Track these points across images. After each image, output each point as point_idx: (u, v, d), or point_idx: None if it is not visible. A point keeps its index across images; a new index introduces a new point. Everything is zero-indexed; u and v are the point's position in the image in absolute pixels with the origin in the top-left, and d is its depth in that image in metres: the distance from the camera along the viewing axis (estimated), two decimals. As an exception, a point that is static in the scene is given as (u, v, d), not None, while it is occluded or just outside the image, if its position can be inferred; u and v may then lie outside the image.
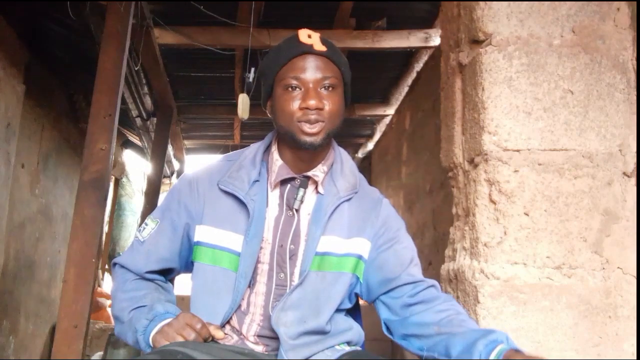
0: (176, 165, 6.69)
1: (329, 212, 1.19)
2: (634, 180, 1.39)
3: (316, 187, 1.23)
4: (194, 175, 1.26)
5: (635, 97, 1.41)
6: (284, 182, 1.22)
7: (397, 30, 3.63)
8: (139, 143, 5.69)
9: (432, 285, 1.22)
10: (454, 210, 1.57)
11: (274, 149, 1.26)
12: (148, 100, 4.50)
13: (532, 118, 1.36)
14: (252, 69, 3.60)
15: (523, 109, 1.36)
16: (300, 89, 1.16)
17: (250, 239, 1.16)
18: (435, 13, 3.53)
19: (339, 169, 1.25)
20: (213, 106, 5.21)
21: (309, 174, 1.22)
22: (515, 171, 1.34)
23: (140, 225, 1.31)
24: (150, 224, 1.25)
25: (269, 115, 1.24)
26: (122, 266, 1.26)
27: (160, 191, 4.82)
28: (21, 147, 3.49)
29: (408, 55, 4.17)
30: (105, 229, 6.35)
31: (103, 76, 2.45)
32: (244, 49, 3.64)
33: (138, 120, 4.70)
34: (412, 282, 1.21)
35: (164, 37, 3.46)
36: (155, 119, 4.70)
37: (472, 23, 1.45)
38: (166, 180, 6.80)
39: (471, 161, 1.45)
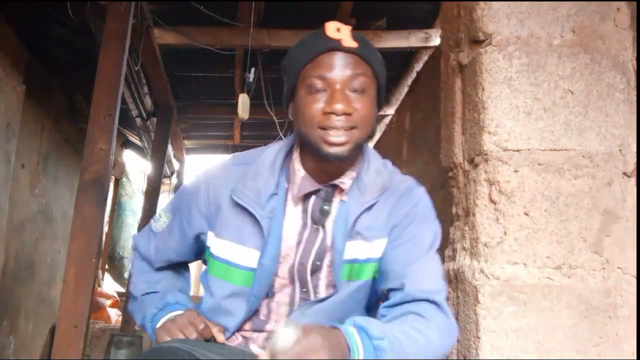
0: (176, 165, 6.68)
1: (351, 221, 1.08)
2: (634, 180, 1.39)
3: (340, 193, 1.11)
4: (207, 180, 1.16)
5: (635, 97, 1.41)
6: (307, 194, 1.11)
7: (397, 30, 3.63)
8: (139, 143, 5.69)
9: (424, 300, 1.04)
10: (454, 210, 1.57)
11: (296, 155, 1.14)
12: (148, 100, 4.49)
13: (532, 118, 1.36)
14: (252, 69, 3.60)
15: (523, 109, 1.36)
16: (326, 91, 1.02)
17: (265, 260, 1.08)
18: (435, 13, 3.53)
19: (364, 172, 1.12)
20: (213, 106, 5.20)
21: (336, 182, 1.10)
22: (515, 171, 1.34)
23: (155, 215, 1.27)
24: (163, 217, 1.22)
25: (291, 118, 1.12)
26: (137, 248, 1.26)
27: (160, 191, 4.82)
28: (21, 147, 3.49)
29: (408, 55, 4.17)
30: (105, 229, 6.35)
31: (103, 76, 2.45)
32: (244, 49, 3.63)
33: (138, 120, 4.70)
34: (398, 288, 1.06)
35: (164, 37, 3.46)
36: (155, 119, 4.69)
37: (472, 23, 1.45)
38: (166, 180, 6.79)
39: (471, 161, 1.45)
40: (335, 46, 1.02)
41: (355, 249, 1.09)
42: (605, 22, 1.41)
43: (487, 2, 1.41)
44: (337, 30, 1.03)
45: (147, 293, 1.20)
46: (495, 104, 1.36)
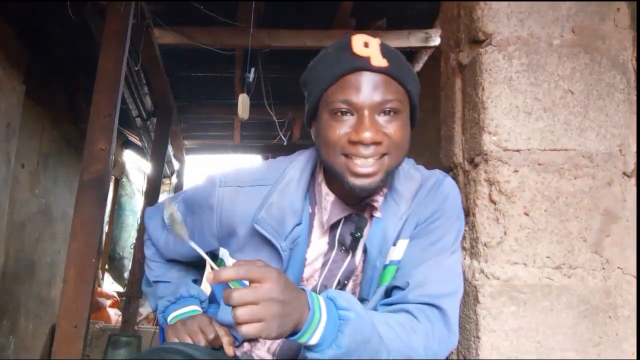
0: (176, 165, 6.68)
1: (392, 238, 1.00)
2: (634, 180, 1.39)
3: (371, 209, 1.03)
4: (220, 200, 1.05)
5: (635, 97, 1.41)
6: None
7: (397, 30, 3.63)
8: (139, 143, 5.69)
9: (424, 304, 0.98)
10: (454, 210, 1.56)
11: (321, 178, 1.04)
12: (148, 100, 4.49)
13: (532, 118, 1.36)
14: (252, 69, 3.61)
15: (523, 109, 1.36)
16: (352, 115, 0.91)
17: None
18: (435, 13, 3.53)
19: (397, 181, 1.03)
20: (213, 106, 5.20)
21: (367, 201, 1.02)
22: (515, 171, 1.34)
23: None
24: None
25: (313, 139, 1.01)
26: (148, 231, 1.23)
27: (161, 191, 4.82)
28: (21, 147, 3.49)
29: (408, 55, 4.17)
30: (105, 229, 6.35)
31: (103, 76, 2.45)
32: (244, 49, 3.63)
33: (138, 120, 4.70)
34: (401, 287, 1.01)
35: (164, 37, 3.46)
36: (155, 119, 4.70)
37: (472, 23, 1.45)
38: (166, 180, 6.79)
39: (471, 161, 1.45)
40: (362, 66, 0.90)
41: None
42: (605, 22, 1.41)
43: (487, 2, 1.41)
44: (365, 45, 0.91)
45: (159, 281, 1.19)
46: (495, 104, 1.36)
